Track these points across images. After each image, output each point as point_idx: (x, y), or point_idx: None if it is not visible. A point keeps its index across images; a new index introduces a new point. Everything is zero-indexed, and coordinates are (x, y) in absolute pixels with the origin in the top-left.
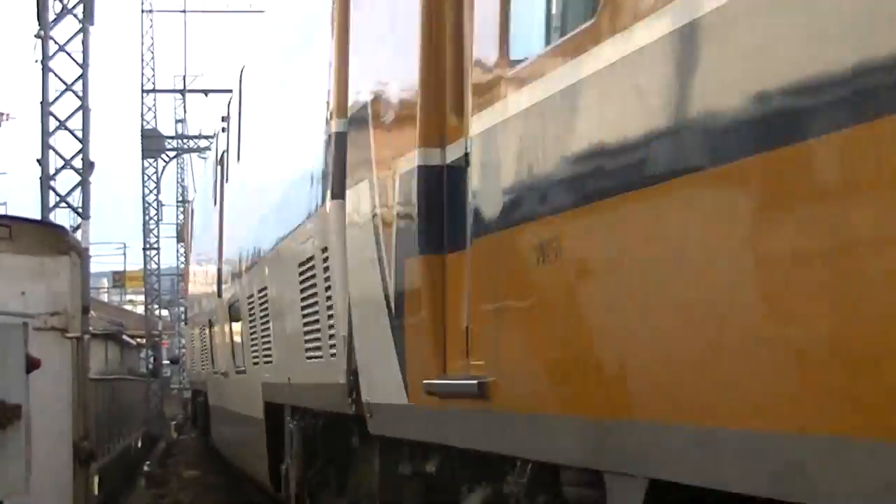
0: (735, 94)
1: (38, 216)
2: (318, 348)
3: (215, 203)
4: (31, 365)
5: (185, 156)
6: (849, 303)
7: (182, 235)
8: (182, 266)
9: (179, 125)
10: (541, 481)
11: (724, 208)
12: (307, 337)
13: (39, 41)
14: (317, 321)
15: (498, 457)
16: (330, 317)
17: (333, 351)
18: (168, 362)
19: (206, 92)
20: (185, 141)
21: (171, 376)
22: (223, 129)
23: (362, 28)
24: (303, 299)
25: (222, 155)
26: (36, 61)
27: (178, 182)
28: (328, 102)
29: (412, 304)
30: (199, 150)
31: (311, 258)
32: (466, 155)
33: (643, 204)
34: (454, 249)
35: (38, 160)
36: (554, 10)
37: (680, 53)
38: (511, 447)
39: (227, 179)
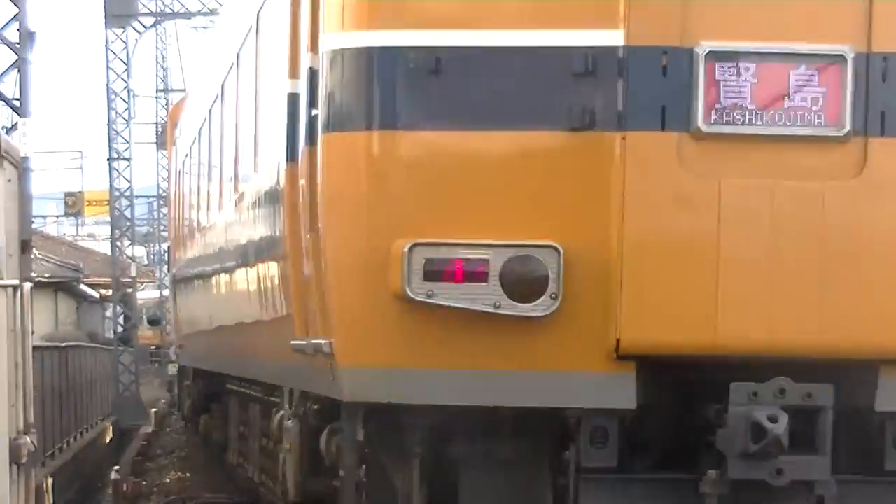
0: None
1: None
2: None
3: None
4: None
5: (169, 24)
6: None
7: (163, 142)
8: (164, 187)
9: None
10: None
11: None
12: None
13: None
14: None
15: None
16: None
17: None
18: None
19: None
20: (166, 2)
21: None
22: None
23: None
24: None
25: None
26: None
27: (157, 63)
28: None
29: None
30: (187, 14)
31: None
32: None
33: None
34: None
35: None
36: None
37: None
38: (189, 364)
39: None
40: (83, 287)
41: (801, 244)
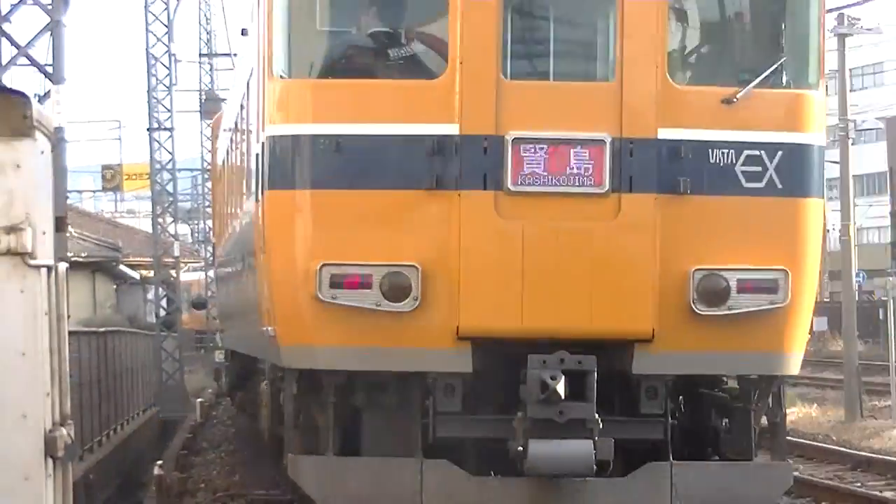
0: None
1: None
2: None
3: None
4: None
5: None
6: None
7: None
8: (208, 160)
9: None
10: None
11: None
12: None
13: None
14: None
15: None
16: None
17: None
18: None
19: None
20: None
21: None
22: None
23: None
24: None
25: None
26: None
27: (200, 25)
28: None
29: None
30: None
31: None
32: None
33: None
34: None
35: None
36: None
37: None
38: (227, 346)
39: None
40: (122, 268)
41: (578, 264)
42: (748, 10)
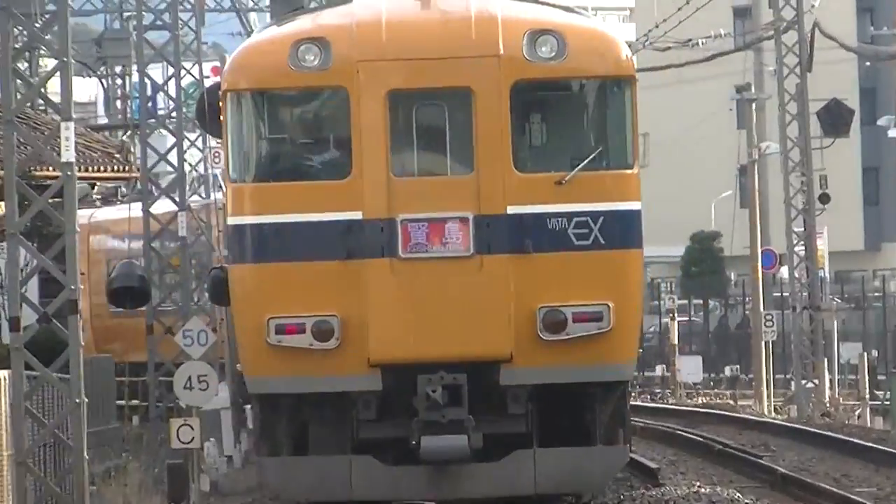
0: None
1: None
2: None
3: None
4: None
5: None
6: None
7: None
8: None
9: None
10: None
11: None
12: None
13: None
14: None
15: None
16: None
17: None
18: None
19: None
20: None
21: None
22: None
23: None
24: None
25: None
26: None
27: None
28: None
29: None
30: None
31: None
32: None
33: None
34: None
35: None
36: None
37: None
38: None
39: None
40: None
41: (454, 307)
42: (576, 110)
